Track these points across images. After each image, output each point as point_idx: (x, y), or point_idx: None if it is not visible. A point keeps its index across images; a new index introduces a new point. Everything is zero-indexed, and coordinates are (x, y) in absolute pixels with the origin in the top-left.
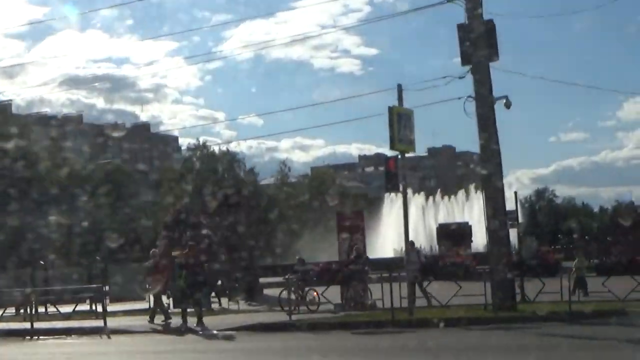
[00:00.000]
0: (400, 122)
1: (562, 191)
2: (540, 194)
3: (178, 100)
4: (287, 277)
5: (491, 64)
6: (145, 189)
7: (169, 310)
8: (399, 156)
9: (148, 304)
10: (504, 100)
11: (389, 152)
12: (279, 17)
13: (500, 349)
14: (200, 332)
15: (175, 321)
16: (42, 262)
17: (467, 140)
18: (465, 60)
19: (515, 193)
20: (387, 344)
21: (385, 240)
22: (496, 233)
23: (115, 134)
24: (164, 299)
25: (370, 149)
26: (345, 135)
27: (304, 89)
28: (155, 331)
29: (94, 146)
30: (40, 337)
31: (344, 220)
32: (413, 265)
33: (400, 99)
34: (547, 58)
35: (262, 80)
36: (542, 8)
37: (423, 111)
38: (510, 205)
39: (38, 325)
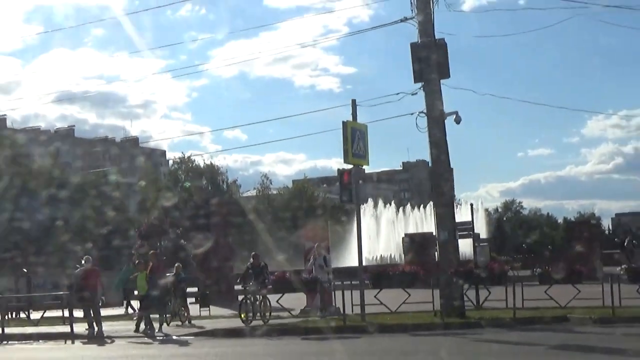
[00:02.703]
0: (354, 136)
1: (529, 203)
2: (508, 206)
3: (167, 116)
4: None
5: (445, 81)
6: (131, 200)
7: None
8: (352, 169)
9: (125, 309)
10: (454, 116)
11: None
12: (263, 37)
13: (439, 353)
14: (159, 338)
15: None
16: (24, 270)
17: None
18: (417, 78)
19: (471, 205)
20: (331, 348)
21: (354, 249)
22: (444, 244)
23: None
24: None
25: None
26: (326, 150)
27: (286, 105)
28: (117, 337)
29: (84, 158)
30: (10, 342)
31: (309, 231)
32: (321, 271)
33: (354, 114)
34: (514, 78)
35: (246, 97)
36: (505, 28)
37: (398, 127)
38: (471, 217)
39: (9, 330)
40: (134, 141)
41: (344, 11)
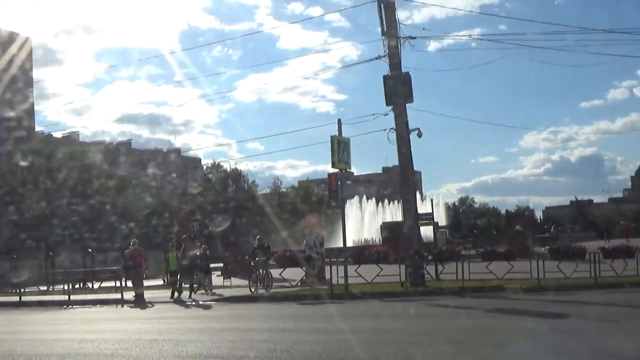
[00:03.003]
0: (339, 147)
1: (479, 199)
2: (463, 201)
3: (202, 132)
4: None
5: (409, 105)
6: (174, 197)
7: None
8: (338, 172)
9: (163, 281)
10: (417, 131)
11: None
12: (275, 71)
13: (403, 314)
14: (188, 303)
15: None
16: (89, 250)
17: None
18: (388, 102)
19: (432, 200)
20: (321, 311)
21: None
22: (410, 229)
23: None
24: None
25: None
26: (324, 158)
27: (293, 123)
28: (156, 302)
29: (139, 165)
30: (74, 306)
31: (307, 220)
32: (312, 250)
33: (339, 130)
34: (466, 101)
35: (263, 117)
36: (458, 63)
37: (380, 139)
38: (431, 209)
39: (74, 297)
40: (177, 151)
41: (337, 51)
